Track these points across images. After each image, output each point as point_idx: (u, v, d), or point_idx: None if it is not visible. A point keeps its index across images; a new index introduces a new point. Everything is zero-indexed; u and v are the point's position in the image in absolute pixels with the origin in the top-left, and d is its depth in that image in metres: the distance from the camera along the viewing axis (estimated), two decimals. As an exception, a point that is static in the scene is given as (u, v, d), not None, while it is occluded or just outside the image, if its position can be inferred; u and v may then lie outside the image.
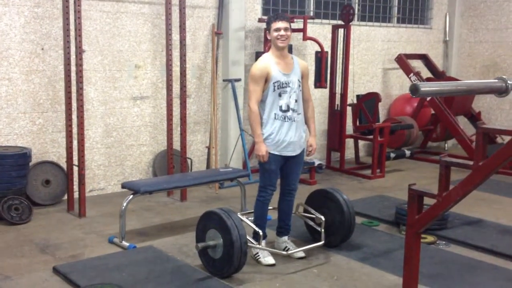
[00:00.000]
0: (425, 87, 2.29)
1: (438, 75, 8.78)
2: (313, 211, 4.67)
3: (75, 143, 5.57)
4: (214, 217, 4.08)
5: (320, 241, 4.53)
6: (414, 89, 2.24)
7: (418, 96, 2.36)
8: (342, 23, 7.61)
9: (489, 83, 2.50)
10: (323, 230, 4.54)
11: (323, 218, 4.55)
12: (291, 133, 4.29)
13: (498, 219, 5.54)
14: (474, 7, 9.73)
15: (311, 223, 4.72)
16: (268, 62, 4.24)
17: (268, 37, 4.34)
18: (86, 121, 5.79)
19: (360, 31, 8.55)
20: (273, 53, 4.29)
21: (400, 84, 9.27)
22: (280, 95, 4.23)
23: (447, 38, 9.89)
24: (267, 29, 4.33)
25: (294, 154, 4.36)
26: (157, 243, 4.76)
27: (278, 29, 4.21)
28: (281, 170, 4.45)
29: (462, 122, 8.75)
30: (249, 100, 4.24)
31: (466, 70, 9.87)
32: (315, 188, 5.05)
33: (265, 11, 7.50)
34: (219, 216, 4.02)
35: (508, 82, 2.49)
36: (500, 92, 2.47)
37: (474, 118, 8.81)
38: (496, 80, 2.49)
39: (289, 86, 4.25)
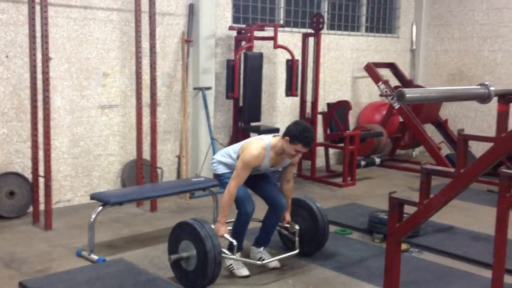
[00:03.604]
0: (411, 93, 2.28)
1: (406, 83, 8.87)
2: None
3: (40, 153, 5.41)
4: (187, 228, 3.98)
5: (294, 250, 4.48)
6: (400, 95, 2.23)
7: (404, 103, 2.34)
8: (312, 31, 7.63)
9: (472, 90, 2.51)
10: (297, 239, 4.49)
11: (297, 227, 4.50)
12: None
13: (469, 226, 5.58)
14: (440, 16, 9.88)
15: (285, 232, 4.66)
16: (265, 155, 4.16)
17: (284, 144, 4.09)
18: (52, 131, 5.62)
19: (329, 39, 8.58)
20: (275, 148, 4.18)
21: (369, 93, 9.33)
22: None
23: (414, 47, 10.02)
24: (290, 138, 4.04)
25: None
26: (127, 256, 4.63)
27: (298, 152, 4.09)
28: (256, 192, 4.48)
29: (430, 130, 8.84)
30: (232, 180, 4.13)
31: (433, 79, 10.00)
32: (288, 197, 5.00)
33: (235, 19, 7.44)
34: (193, 227, 3.93)
35: (490, 88, 2.50)
36: (483, 98, 2.48)
37: (441, 126, 8.93)
38: (479, 87, 2.50)
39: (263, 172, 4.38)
